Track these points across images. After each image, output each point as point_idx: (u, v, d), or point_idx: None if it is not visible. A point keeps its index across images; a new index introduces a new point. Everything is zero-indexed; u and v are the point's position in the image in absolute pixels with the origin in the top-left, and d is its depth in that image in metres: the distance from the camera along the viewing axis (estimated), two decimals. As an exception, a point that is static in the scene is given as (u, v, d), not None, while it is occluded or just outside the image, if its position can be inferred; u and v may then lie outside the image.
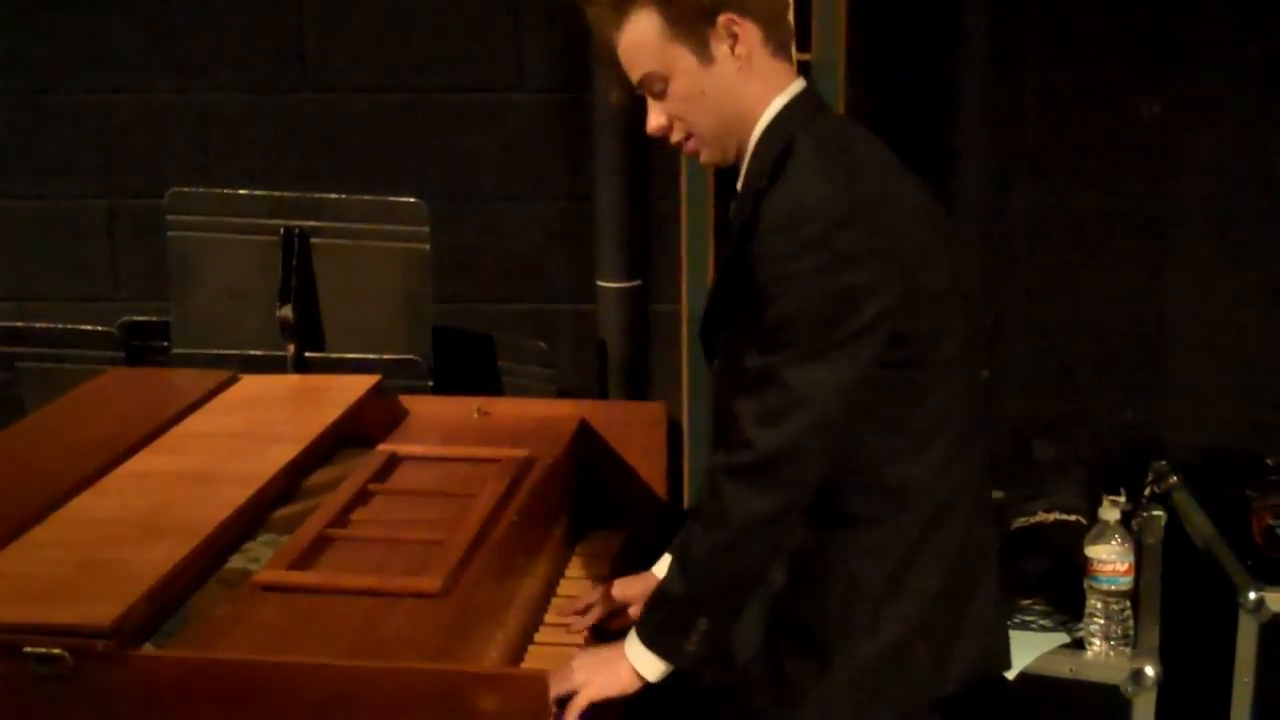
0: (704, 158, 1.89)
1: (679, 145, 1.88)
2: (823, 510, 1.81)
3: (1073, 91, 3.22)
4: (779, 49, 1.83)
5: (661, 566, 2.09)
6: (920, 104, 3.21)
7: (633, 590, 2.07)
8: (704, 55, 1.78)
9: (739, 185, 1.87)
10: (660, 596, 1.82)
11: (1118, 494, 2.45)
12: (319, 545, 1.88)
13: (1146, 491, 2.96)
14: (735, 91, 1.80)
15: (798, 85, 1.84)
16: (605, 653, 1.84)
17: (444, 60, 3.23)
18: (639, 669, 1.80)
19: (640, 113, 1.88)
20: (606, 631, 2.05)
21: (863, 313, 1.70)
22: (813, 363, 1.70)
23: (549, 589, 2.15)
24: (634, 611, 2.05)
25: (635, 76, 1.83)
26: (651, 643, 1.80)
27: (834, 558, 1.83)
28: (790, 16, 1.87)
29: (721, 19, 1.77)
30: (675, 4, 1.77)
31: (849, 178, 1.75)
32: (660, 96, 1.83)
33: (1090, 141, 3.24)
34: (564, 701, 1.78)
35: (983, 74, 3.18)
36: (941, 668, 1.85)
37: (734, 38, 1.78)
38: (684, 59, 1.79)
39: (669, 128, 1.85)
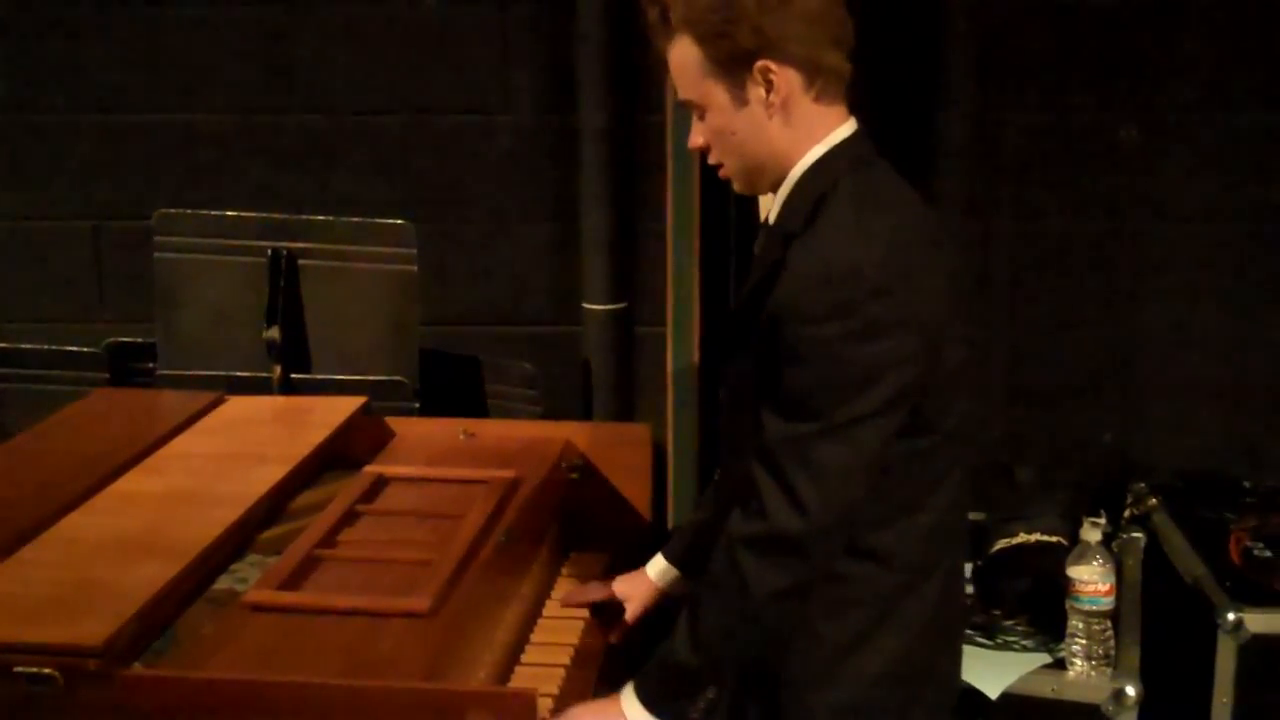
0: (735, 187, 1.87)
1: (716, 169, 1.86)
2: None
3: (1052, 117, 3.25)
4: (825, 94, 1.77)
5: (654, 567, 2.13)
6: (903, 130, 3.23)
7: (627, 589, 2.11)
8: (738, 97, 1.75)
9: (769, 220, 1.84)
10: (667, 661, 1.80)
11: (1098, 516, 2.47)
12: (307, 565, 1.89)
13: (1126, 514, 2.98)
14: (766, 136, 1.77)
15: (844, 131, 1.79)
16: (604, 709, 1.83)
17: (432, 83, 3.24)
18: None
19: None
20: (605, 613, 2.11)
21: (888, 385, 1.66)
22: (837, 439, 1.67)
23: (536, 608, 2.15)
24: (630, 611, 2.10)
25: (680, 95, 1.82)
26: (655, 707, 1.79)
27: (800, 612, 1.80)
28: (844, 58, 1.78)
29: (758, 65, 1.72)
30: (712, 43, 1.73)
31: (887, 241, 1.69)
32: (701, 119, 1.81)
33: (1069, 167, 3.27)
34: None
35: (965, 100, 3.21)
36: None
37: (769, 85, 1.73)
38: (718, 96, 1.76)
39: (707, 149, 1.83)
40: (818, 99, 1.77)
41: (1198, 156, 3.24)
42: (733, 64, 1.74)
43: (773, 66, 1.73)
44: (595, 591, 2.15)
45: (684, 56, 1.77)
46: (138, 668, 1.64)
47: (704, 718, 1.79)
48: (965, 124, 3.21)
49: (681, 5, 1.75)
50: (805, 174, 1.78)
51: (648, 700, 1.80)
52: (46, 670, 1.58)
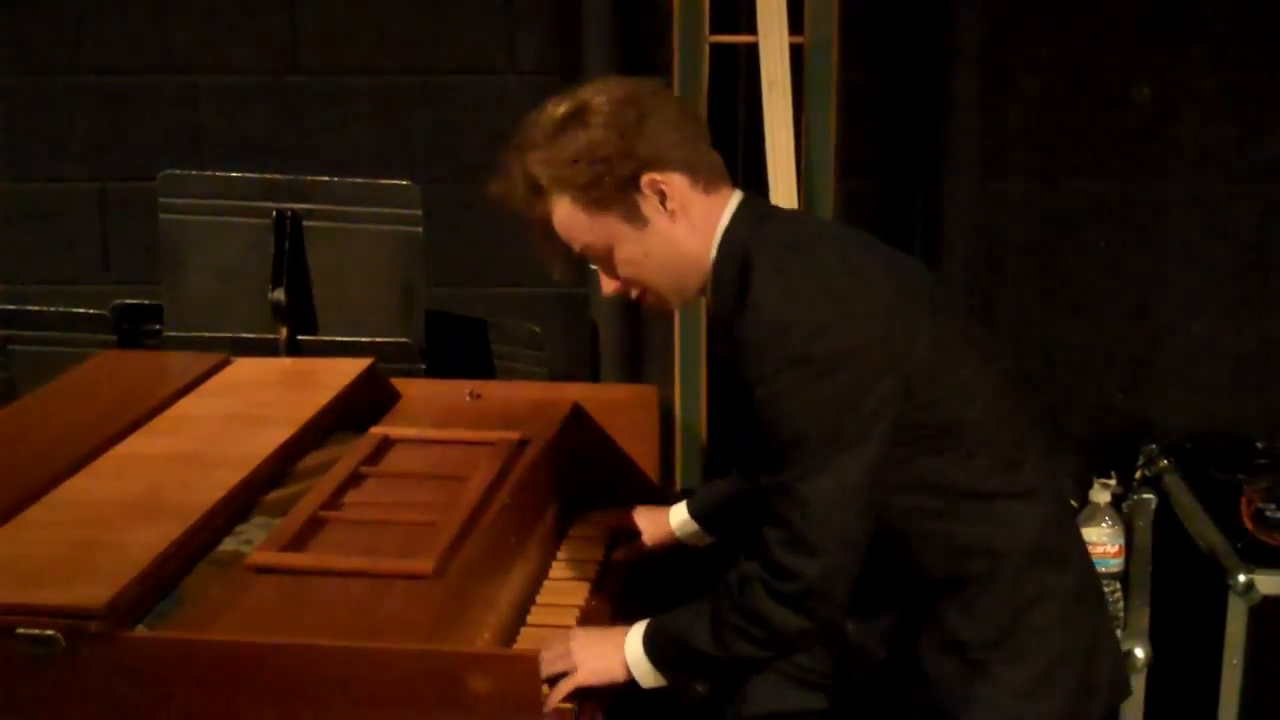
0: (670, 307, 1.89)
1: (640, 302, 1.87)
2: (919, 584, 1.81)
3: (1064, 76, 3.22)
4: (710, 180, 1.79)
5: (676, 515, 2.19)
6: (912, 87, 3.21)
7: (645, 523, 2.18)
8: (637, 219, 1.76)
9: (710, 314, 1.86)
10: (682, 640, 1.81)
11: (1109, 477, 2.46)
12: (312, 527, 1.88)
13: (1137, 475, 2.97)
14: (678, 242, 1.78)
15: (735, 201, 1.81)
16: (605, 641, 1.84)
17: (437, 42, 3.22)
18: (636, 674, 1.81)
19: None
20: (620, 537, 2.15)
21: (861, 412, 1.68)
22: (825, 475, 1.68)
23: (541, 571, 2.15)
24: (646, 537, 2.17)
25: (576, 248, 1.82)
26: (661, 667, 1.81)
27: (940, 631, 1.81)
28: (711, 149, 1.81)
29: (644, 181, 1.74)
30: (593, 188, 1.74)
31: (813, 282, 1.72)
32: (606, 264, 1.82)
33: (1082, 126, 3.25)
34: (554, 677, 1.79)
35: (975, 58, 3.18)
36: (1084, 697, 1.82)
37: (662, 195, 1.76)
38: (619, 228, 1.77)
39: (623, 289, 1.85)
40: (706, 191, 1.79)
41: (1211, 116, 3.21)
42: (620, 194, 1.75)
43: (658, 177, 1.75)
44: (616, 519, 2.21)
45: (569, 213, 1.78)
46: (140, 630, 1.64)
47: (705, 690, 1.80)
48: (976, 83, 3.18)
49: (547, 170, 1.76)
50: (718, 259, 1.79)
51: (656, 661, 1.81)
52: (49, 632, 1.58)
